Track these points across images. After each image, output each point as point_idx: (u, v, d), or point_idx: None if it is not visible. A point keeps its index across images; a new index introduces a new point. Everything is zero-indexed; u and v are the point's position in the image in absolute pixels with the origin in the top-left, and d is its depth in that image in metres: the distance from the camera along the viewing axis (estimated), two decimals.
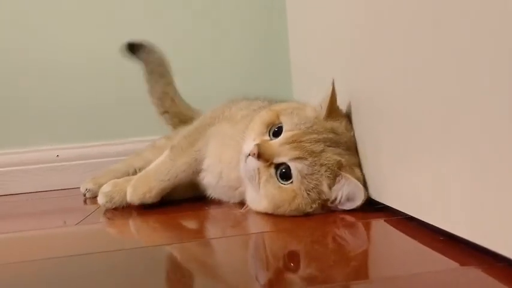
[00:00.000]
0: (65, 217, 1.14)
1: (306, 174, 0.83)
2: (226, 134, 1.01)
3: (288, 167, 0.84)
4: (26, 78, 1.63)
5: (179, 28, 1.69)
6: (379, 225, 0.77)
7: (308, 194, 0.84)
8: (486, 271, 0.52)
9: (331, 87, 0.89)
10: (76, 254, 0.73)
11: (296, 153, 0.84)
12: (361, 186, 0.83)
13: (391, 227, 0.74)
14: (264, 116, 0.92)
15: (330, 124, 0.89)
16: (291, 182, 0.84)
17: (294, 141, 0.85)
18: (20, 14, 1.63)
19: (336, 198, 0.85)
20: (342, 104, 0.93)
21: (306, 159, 0.83)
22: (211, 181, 1.03)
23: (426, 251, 0.62)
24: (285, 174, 0.85)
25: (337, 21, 1.00)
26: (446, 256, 0.58)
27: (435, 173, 0.63)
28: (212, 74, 1.70)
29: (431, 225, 0.65)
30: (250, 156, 0.86)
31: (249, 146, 0.87)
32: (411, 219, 0.72)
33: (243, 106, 1.11)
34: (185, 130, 1.14)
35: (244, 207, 0.92)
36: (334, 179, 0.84)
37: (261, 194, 0.87)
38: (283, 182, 0.85)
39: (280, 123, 0.89)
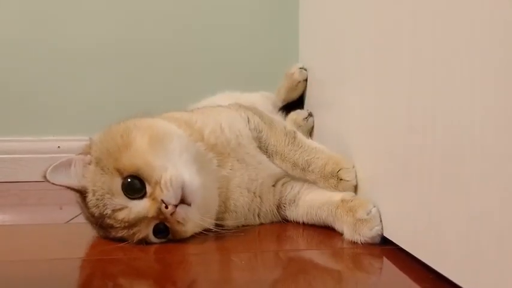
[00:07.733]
0: (56, 213, 1.12)
1: None
2: None
3: None
4: (30, 69, 1.63)
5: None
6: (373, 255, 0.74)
7: None
8: None
9: None
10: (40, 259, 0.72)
11: None
12: None
13: (385, 259, 0.71)
14: None
15: None
16: None
17: None
18: (27, 7, 1.63)
19: None
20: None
21: None
22: None
23: None
24: None
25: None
26: None
27: (430, 210, 0.60)
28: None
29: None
30: None
31: None
32: (404, 250, 0.69)
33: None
34: None
35: None
36: None
37: None
38: None
39: None
